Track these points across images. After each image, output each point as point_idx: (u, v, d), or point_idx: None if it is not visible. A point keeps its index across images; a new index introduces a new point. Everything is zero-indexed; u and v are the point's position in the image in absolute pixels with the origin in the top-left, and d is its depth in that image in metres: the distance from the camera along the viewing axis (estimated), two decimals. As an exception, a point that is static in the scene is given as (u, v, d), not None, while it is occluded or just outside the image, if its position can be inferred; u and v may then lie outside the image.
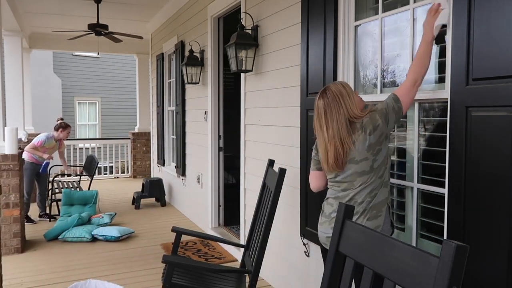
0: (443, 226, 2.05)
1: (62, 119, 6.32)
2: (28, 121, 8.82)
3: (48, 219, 5.94)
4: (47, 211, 6.03)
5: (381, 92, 2.50)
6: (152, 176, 8.46)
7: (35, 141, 5.77)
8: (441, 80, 2.13)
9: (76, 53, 15.33)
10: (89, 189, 6.59)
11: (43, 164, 5.79)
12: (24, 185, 5.60)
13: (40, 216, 6.01)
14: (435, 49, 2.19)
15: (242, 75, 4.11)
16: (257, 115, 3.87)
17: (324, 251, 2.25)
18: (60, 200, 5.98)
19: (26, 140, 7.06)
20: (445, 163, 1.99)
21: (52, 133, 5.94)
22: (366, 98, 2.61)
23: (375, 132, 2.01)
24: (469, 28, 1.82)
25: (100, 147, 10.64)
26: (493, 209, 1.73)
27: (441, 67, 2.11)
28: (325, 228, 2.17)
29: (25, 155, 5.65)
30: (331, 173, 2.14)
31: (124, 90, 16.79)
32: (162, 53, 7.24)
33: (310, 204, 2.97)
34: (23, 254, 4.51)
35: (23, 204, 4.79)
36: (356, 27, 2.69)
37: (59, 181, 7.24)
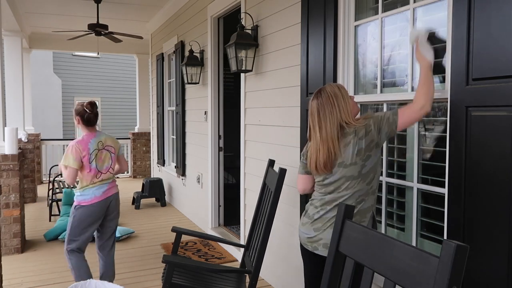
0: (443, 226, 2.05)
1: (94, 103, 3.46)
2: (28, 121, 8.82)
3: None
4: None
5: (381, 92, 2.50)
6: (152, 176, 8.46)
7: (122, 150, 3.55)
8: (441, 80, 2.13)
9: (76, 53, 15.32)
10: (89, 189, 6.58)
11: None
12: (114, 233, 3.49)
13: None
14: (434, 49, 2.19)
15: (242, 75, 4.11)
16: (257, 115, 3.87)
17: (304, 251, 2.27)
18: (60, 200, 5.99)
19: (27, 140, 7.06)
20: (445, 163, 1.99)
21: (96, 129, 3.33)
22: (366, 98, 2.62)
23: (366, 137, 2.01)
24: (469, 28, 1.82)
25: (100, 147, 10.63)
26: (493, 209, 1.73)
27: (441, 67, 2.11)
28: (306, 229, 2.19)
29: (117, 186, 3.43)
30: (319, 176, 2.16)
31: (124, 90, 16.79)
32: (162, 53, 7.24)
33: (310, 204, 2.97)
34: (23, 254, 4.51)
35: (23, 204, 4.79)
36: (356, 27, 2.69)
37: (60, 181, 7.25)
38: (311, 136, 2.17)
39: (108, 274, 3.42)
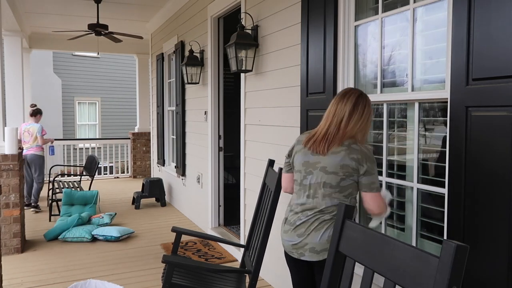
0: (443, 226, 2.05)
1: (35, 105, 6.83)
2: (28, 121, 8.80)
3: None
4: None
5: (381, 92, 2.50)
6: (152, 176, 8.46)
7: (40, 132, 6.43)
8: (441, 80, 2.13)
9: (76, 53, 15.33)
10: (89, 189, 6.60)
11: (50, 148, 7.15)
12: (39, 176, 6.44)
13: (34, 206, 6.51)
14: (434, 48, 2.20)
15: (242, 75, 4.11)
16: (257, 115, 3.87)
17: (289, 259, 2.24)
18: (60, 200, 5.99)
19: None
20: (445, 163, 1.99)
21: (33, 120, 6.55)
22: (366, 98, 2.62)
23: (357, 163, 2.01)
24: (469, 28, 1.82)
25: (100, 147, 10.64)
26: (493, 209, 1.73)
27: (441, 67, 2.11)
28: (290, 236, 2.16)
29: (38, 150, 6.43)
30: (300, 174, 2.16)
31: (124, 90, 16.79)
32: (162, 53, 7.24)
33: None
34: (23, 254, 4.51)
35: (23, 204, 4.79)
36: (356, 27, 2.69)
37: (60, 181, 7.25)
38: (329, 108, 2.14)
39: (31, 193, 6.48)
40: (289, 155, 2.30)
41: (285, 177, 2.37)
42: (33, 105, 6.66)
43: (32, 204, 6.47)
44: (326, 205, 2.06)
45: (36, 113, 6.54)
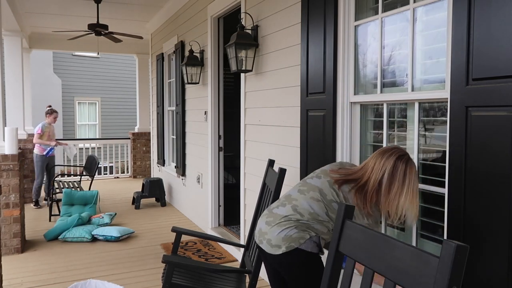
0: (443, 226, 2.05)
1: (50, 106, 7.14)
2: (28, 121, 8.82)
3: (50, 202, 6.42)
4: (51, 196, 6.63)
5: (381, 92, 2.50)
6: (152, 176, 8.46)
7: (36, 130, 6.66)
8: (441, 80, 2.13)
9: (76, 53, 15.33)
10: (89, 189, 6.59)
11: (48, 149, 6.76)
12: (36, 175, 6.70)
13: (45, 199, 6.99)
14: (434, 48, 2.19)
15: (242, 75, 4.11)
16: (257, 115, 3.87)
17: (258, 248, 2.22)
18: (60, 200, 5.99)
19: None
20: (445, 163, 1.99)
21: (45, 121, 6.82)
22: (366, 98, 2.62)
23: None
24: (469, 28, 1.82)
25: (100, 147, 10.64)
26: (493, 209, 1.73)
27: (441, 67, 2.11)
28: (261, 221, 2.16)
29: (35, 149, 6.68)
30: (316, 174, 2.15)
31: (124, 90, 16.79)
32: (162, 53, 7.24)
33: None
34: (23, 254, 4.51)
35: (23, 204, 4.79)
36: (356, 27, 2.69)
37: (60, 181, 7.25)
38: (363, 172, 2.03)
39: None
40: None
41: None
42: (48, 106, 7.09)
43: (34, 200, 6.78)
44: (298, 208, 2.05)
45: (46, 113, 6.88)
